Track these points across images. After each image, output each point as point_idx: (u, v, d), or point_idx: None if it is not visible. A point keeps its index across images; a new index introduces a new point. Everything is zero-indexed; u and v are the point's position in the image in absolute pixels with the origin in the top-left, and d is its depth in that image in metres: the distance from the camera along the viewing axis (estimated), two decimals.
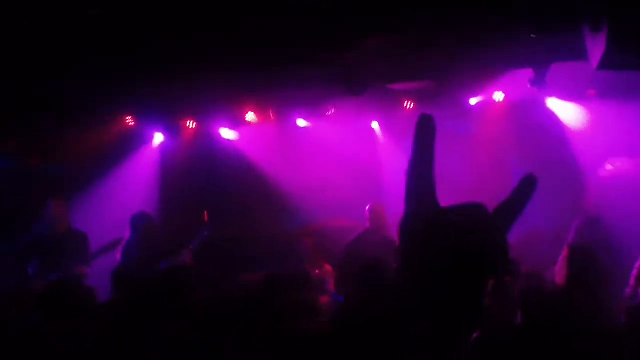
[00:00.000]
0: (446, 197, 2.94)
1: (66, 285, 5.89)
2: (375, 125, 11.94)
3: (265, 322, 5.37)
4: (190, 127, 11.86)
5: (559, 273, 5.95)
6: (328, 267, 9.66)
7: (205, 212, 9.67)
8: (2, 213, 10.65)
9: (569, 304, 5.42)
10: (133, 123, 11.54)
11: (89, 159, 11.42)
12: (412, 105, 10.80)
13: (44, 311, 5.44)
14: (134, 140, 11.91)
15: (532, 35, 8.13)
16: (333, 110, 11.40)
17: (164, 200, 11.52)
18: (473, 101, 10.84)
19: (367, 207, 9.81)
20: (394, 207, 10.49)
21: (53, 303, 5.43)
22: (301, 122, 12.05)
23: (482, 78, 9.93)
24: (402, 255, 3.01)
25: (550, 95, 10.53)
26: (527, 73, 9.44)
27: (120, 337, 4.93)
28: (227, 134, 12.00)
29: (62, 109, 10.14)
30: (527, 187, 2.82)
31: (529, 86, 9.42)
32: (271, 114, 11.62)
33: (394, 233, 9.53)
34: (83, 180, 11.27)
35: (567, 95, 10.59)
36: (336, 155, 11.98)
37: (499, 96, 10.64)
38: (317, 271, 9.41)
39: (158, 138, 12.08)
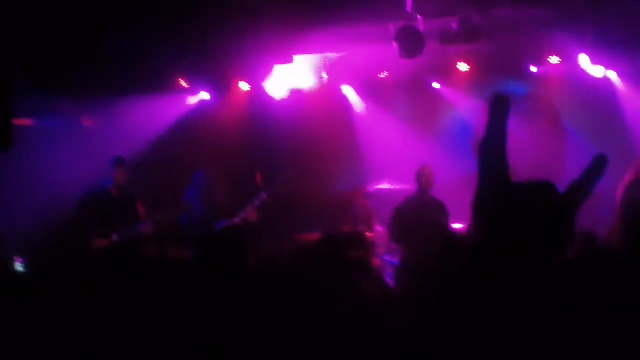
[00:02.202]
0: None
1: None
2: (436, 85, 11.81)
3: (322, 281, 5.40)
4: (242, 88, 11.91)
5: (614, 233, 5.90)
6: (380, 229, 9.68)
7: (259, 174, 9.71)
8: (59, 174, 10.80)
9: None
10: (187, 85, 11.62)
11: (142, 121, 11.52)
12: (468, 68, 10.73)
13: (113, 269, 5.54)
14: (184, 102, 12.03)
15: None
16: (387, 73, 11.39)
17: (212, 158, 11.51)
18: (533, 69, 10.77)
19: (416, 169, 9.76)
20: (451, 168, 10.52)
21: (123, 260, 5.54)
22: (347, 90, 12.07)
23: (539, 40, 9.83)
24: (475, 230, 3.06)
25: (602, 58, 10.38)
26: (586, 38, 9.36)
27: (122, 336, 4.98)
28: (277, 93, 12.00)
29: (115, 69, 10.22)
30: (597, 167, 2.87)
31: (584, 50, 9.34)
32: (323, 76, 11.61)
33: (442, 195, 9.51)
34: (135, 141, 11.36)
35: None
36: (390, 116, 11.98)
37: (555, 60, 10.52)
38: (369, 233, 9.45)
39: (202, 96, 12.17)
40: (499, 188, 2.94)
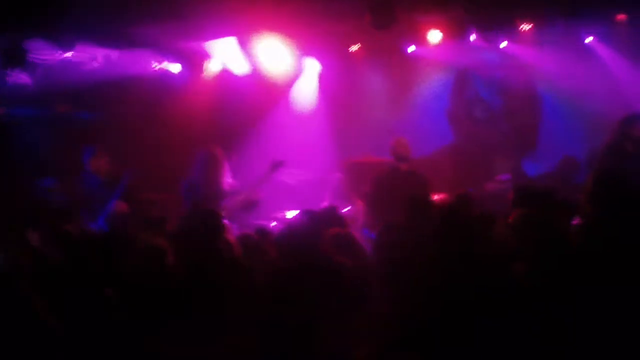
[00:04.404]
0: None
1: None
2: (412, 48, 11.65)
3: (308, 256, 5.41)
4: (212, 66, 11.83)
5: (584, 200, 5.87)
6: (359, 203, 9.65)
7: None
8: (33, 161, 10.67)
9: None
10: (158, 67, 11.52)
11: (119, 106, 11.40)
12: (440, 38, 10.69)
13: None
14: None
15: None
16: (359, 46, 11.35)
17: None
18: (503, 44, 10.95)
19: (392, 142, 9.71)
20: (428, 139, 10.52)
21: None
22: (311, 63, 11.99)
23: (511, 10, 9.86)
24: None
25: (579, 21, 10.38)
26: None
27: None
28: (242, 69, 11.86)
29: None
30: None
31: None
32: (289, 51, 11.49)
33: (420, 166, 9.49)
34: (114, 127, 11.23)
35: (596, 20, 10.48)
36: (363, 90, 11.95)
37: (526, 27, 10.54)
38: (349, 207, 9.41)
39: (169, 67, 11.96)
40: None
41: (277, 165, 9.14)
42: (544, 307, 4.32)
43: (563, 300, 4.39)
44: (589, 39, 10.87)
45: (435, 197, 8.91)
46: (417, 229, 6.06)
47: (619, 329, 4.18)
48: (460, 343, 4.12)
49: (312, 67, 12.06)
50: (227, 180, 9.10)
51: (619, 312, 4.24)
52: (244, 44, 11.05)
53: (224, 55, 11.54)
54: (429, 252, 5.17)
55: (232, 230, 7.04)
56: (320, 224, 6.12)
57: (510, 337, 4.07)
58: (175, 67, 11.92)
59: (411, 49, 11.47)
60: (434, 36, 10.70)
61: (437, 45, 10.85)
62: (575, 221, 5.93)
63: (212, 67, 11.85)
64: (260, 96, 11.86)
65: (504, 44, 11.01)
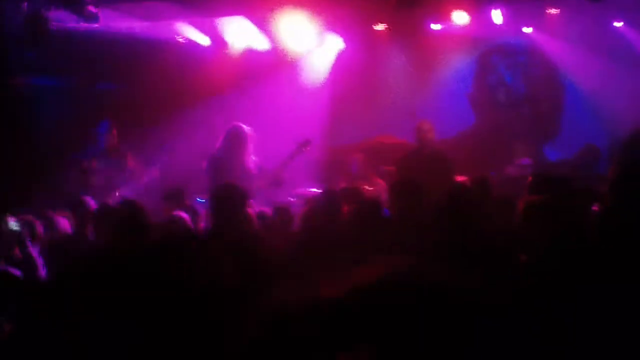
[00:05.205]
0: None
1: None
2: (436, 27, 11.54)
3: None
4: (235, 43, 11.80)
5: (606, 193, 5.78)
6: (381, 182, 9.62)
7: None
8: (52, 134, 10.68)
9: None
10: (183, 40, 11.49)
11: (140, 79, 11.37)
12: (465, 18, 10.64)
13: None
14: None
15: None
16: (385, 26, 11.27)
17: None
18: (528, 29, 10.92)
19: (415, 124, 9.67)
20: (449, 121, 10.47)
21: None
22: (334, 39, 11.87)
23: None
24: None
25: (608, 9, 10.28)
26: None
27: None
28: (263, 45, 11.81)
29: None
30: None
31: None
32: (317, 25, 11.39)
33: (443, 149, 9.45)
34: (133, 101, 11.22)
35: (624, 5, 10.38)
36: (385, 69, 11.88)
37: (553, 11, 10.48)
38: (369, 187, 9.37)
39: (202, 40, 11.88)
40: None
41: (303, 145, 9.08)
42: (547, 304, 4.20)
43: (568, 297, 4.27)
44: (618, 24, 10.77)
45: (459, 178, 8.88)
46: (411, 217, 5.97)
47: (626, 329, 4.07)
48: (458, 342, 4.00)
49: (334, 44, 11.97)
50: (253, 158, 8.99)
51: (629, 310, 4.14)
52: (266, 20, 11.00)
53: (247, 31, 11.49)
54: (426, 242, 5.07)
55: (253, 205, 7.02)
56: (341, 204, 6.13)
57: (512, 337, 3.95)
58: (204, 40, 11.89)
59: (435, 27, 11.37)
60: (459, 17, 10.66)
61: (462, 26, 10.80)
62: (595, 207, 5.85)
63: (236, 43, 11.81)
64: (280, 72, 11.80)
65: (529, 30, 10.94)
